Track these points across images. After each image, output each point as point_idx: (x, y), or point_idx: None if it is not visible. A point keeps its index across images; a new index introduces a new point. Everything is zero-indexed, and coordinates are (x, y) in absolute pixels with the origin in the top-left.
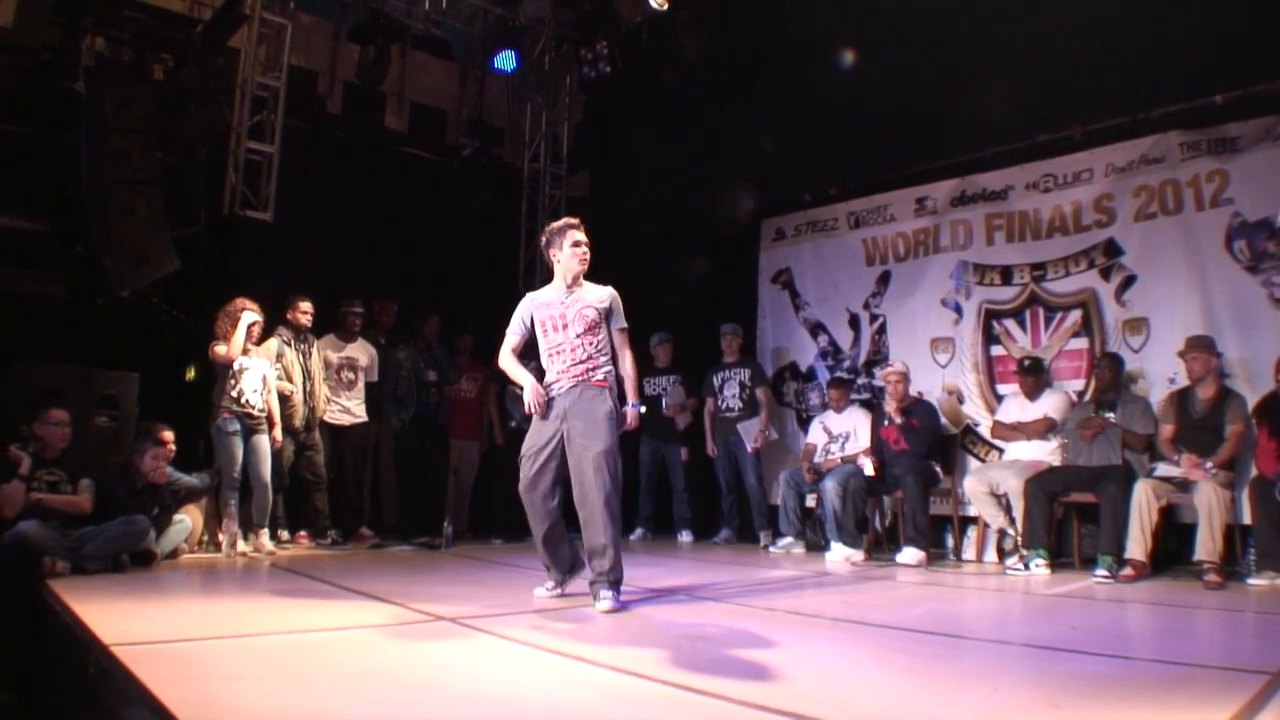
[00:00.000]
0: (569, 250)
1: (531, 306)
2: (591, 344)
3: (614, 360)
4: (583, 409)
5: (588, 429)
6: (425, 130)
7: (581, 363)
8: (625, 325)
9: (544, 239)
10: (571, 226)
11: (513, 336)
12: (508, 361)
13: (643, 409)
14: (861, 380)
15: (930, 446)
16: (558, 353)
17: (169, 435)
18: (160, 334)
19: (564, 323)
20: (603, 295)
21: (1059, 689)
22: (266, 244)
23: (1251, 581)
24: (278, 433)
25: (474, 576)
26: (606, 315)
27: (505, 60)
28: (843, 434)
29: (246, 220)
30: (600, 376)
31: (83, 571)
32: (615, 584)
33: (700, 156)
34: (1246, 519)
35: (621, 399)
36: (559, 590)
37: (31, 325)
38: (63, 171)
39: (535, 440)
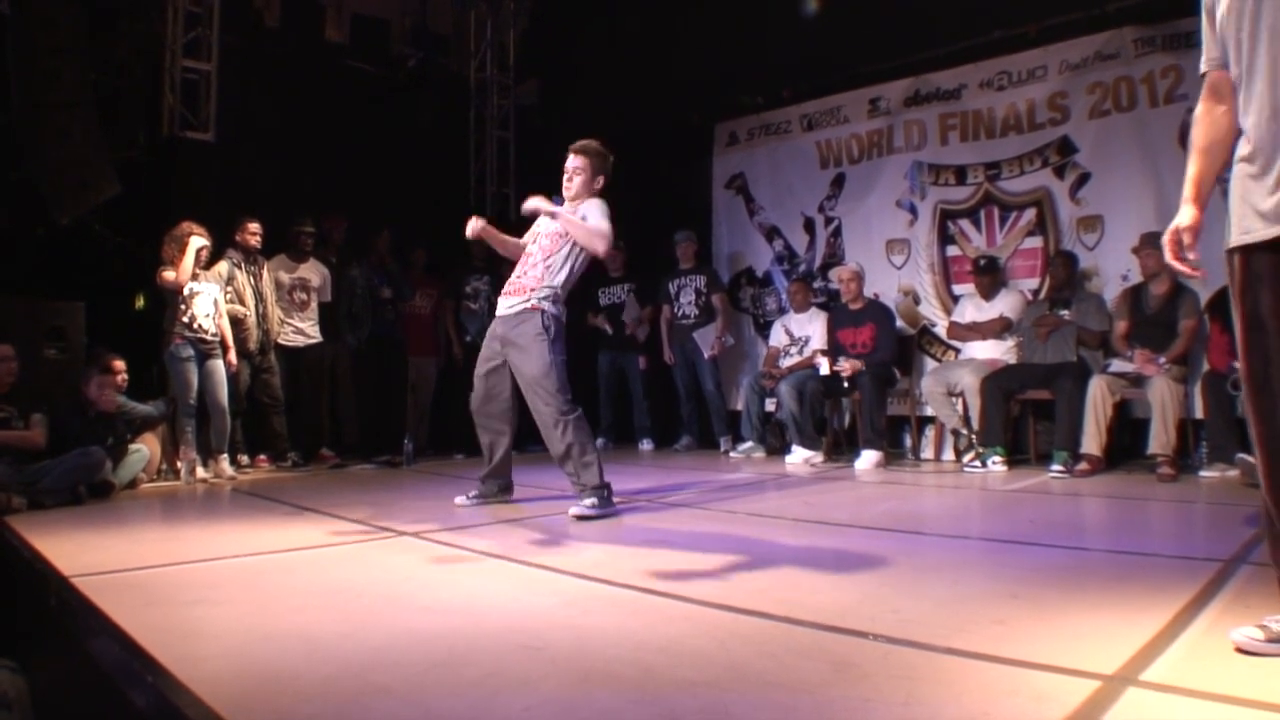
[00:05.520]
0: None
1: None
2: (544, 253)
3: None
4: (514, 335)
5: (520, 355)
6: (368, 42)
7: (528, 272)
8: (599, 226)
9: None
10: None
11: None
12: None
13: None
14: (818, 284)
15: (890, 348)
16: (520, 262)
17: (120, 364)
18: (105, 261)
19: (539, 233)
20: (581, 207)
21: (1017, 580)
22: (209, 165)
23: (1204, 474)
24: (233, 356)
25: (436, 492)
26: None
27: None
28: (804, 337)
29: (187, 141)
30: (537, 300)
31: (40, 506)
32: (593, 489)
33: (651, 61)
34: (1199, 413)
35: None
36: (479, 501)
37: None
38: None
39: (481, 363)
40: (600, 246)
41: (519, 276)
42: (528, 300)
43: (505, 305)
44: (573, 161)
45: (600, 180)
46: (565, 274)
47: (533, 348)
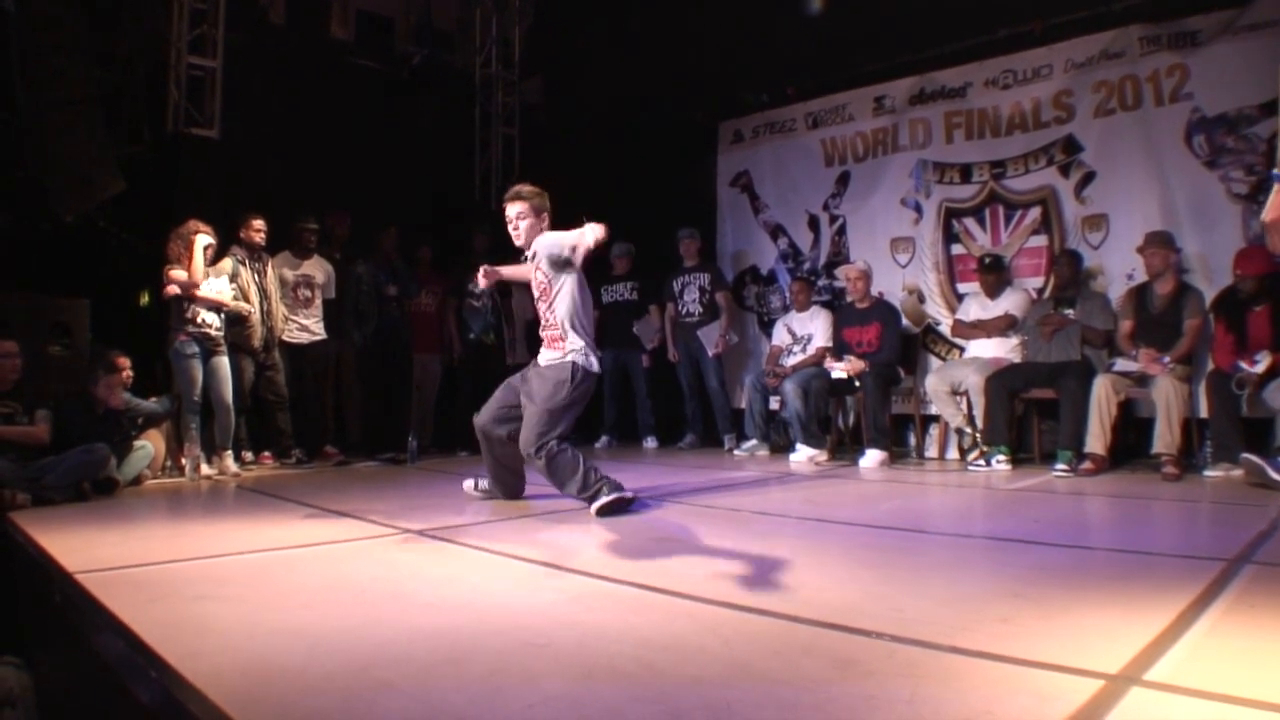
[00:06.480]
0: None
1: None
2: (543, 294)
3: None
4: (537, 373)
5: (533, 386)
6: (372, 39)
7: (547, 319)
8: (556, 253)
9: None
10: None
11: None
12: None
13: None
14: (822, 281)
15: (895, 347)
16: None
17: (125, 361)
18: (110, 258)
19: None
20: (535, 249)
21: (1020, 579)
22: (214, 162)
23: (1208, 473)
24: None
25: (440, 489)
26: (550, 263)
27: None
28: (805, 335)
29: (192, 138)
30: (570, 353)
31: (45, 502)
32: (589, 499)
33: (656, 58)
34: (1203, 412)
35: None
36: (485, 495)
37: None
38: None
39: (504, 393)
40: (574, 250)
41: (544, 328)
42: (565, 355)
43: (544, 358)
44: (512, 209)
45: (545, 219)
46: (569, 303)
47: (549, 385)
